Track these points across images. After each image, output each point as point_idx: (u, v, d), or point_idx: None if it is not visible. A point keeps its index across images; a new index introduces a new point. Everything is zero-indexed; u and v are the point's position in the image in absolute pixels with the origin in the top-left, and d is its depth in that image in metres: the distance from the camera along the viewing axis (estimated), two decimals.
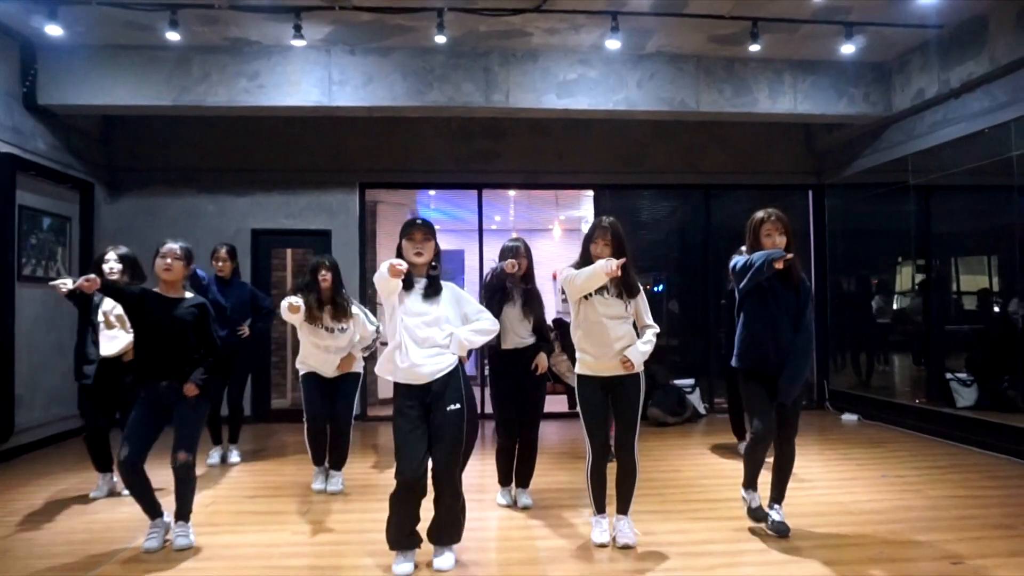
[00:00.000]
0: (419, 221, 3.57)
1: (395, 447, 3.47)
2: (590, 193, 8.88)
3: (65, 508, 4.70)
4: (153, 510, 3.84)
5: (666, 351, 8.76)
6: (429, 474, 3.47)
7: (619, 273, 3.60)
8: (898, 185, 7.37)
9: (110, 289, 3.80)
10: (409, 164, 8.23)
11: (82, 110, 6.89)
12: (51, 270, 6.84)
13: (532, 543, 3.96)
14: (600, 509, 3.91)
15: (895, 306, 8.34)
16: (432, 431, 3.44)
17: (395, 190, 8.86)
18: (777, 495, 4.04)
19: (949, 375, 7.14)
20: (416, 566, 3.52)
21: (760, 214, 3.91)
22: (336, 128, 8.08)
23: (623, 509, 3.86)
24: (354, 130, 8.11)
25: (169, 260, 3.84)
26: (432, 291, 3.53)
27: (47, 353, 6.69)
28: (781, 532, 3.93)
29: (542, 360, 4.54)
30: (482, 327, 3.64)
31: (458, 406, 3.46)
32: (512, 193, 9.43)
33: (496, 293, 4.48)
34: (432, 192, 9.56)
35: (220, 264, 5.83)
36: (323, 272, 4.95)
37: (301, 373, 5.07)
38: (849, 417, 7.93)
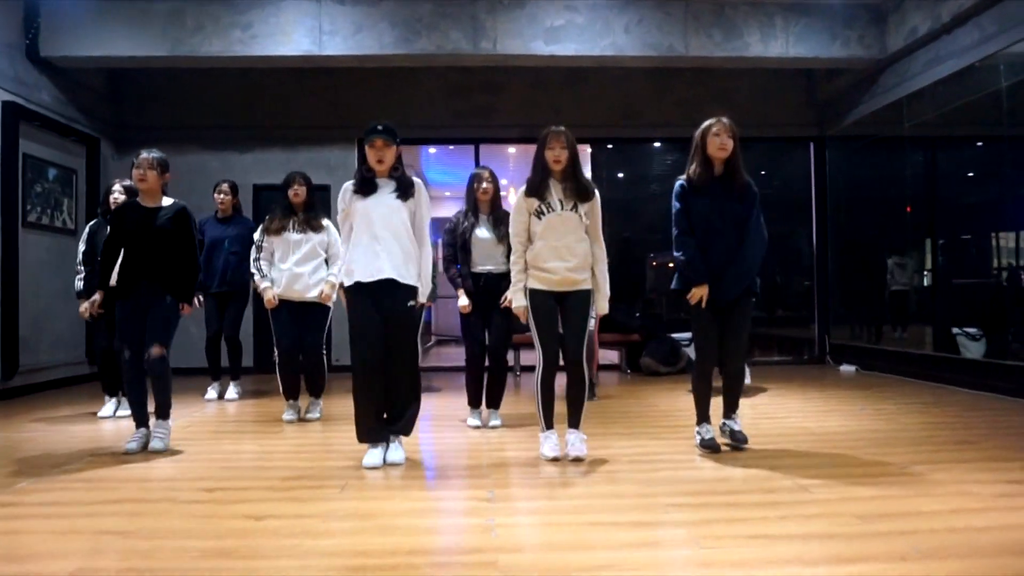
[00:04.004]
0: (380, 127, 3.61)
1: (350, 337, 3.60)
2: (587, 148, 8.85)
3: (73, 423, 4.98)
4: (141, 419, 4.03)
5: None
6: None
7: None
8: (893, 137, 7.24)
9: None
10: (407, 119, 8.27)
11: (81, 62, 7.08)
12: (57, 219, 7.09)
13: (500, 453, 4.04)
14: (548, 424, 3.84)
15: (899, 261, 8.18)
16: (388, 323, 3.56)
17: None
18: (729, 408, 4.00)
19: (956, 330, 6.96)
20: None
21: (709, 120, 3.91)
22: (335, 84, 8.20)
23: (574, 423, 3.81)
24: (352, 86, 8.23)
25: (143, 170, 3.96)
26: (404, 190, 3.65)
27: (52, 299, 6.93)
28: (739, 440, 3.89)
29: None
30: (426, 269, 3.78)
31: (413, 303, 3.62)
32: (512, 150, 9.46)
33: (457, 238, 4.66)
34: (432, 150, 9.64)
35: (221, 198, 5.98)
36: (295, 187, 5.03)
37: None
38: (847, 368, 7.84)
